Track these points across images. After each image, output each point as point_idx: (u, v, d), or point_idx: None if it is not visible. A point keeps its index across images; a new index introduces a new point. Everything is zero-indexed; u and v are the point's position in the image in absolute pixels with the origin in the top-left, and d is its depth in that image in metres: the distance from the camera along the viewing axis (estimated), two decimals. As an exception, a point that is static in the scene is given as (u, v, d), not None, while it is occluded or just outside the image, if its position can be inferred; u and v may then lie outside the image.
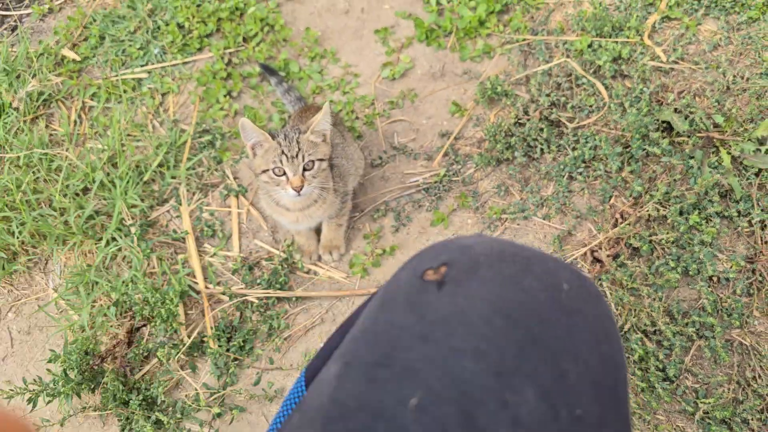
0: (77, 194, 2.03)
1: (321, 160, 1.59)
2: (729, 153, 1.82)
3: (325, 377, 0.60)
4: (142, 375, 1.79)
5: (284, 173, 1.56)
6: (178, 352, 1.76)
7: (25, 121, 2.20)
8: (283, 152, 1.54)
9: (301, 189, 1.56)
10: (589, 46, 2.09)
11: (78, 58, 2.34)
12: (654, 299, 1.66)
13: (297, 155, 1.55)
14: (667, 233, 1.73)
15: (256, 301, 1.83)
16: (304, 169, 1.56)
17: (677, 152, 1.85)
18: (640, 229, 1.76)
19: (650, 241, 1.73)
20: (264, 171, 1.59)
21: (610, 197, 1.85)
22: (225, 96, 2.18)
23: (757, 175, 1.79)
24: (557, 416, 0.52)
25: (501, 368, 0.53)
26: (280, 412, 0.70)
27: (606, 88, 2.01)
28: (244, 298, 1.85)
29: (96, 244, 1.96)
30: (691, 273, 1.68)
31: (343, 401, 0.56)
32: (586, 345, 0.56)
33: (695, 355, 1.62)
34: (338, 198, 1.73)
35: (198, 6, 2.38)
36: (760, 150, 1.81)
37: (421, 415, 0.52)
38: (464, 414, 0.51)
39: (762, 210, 1.74)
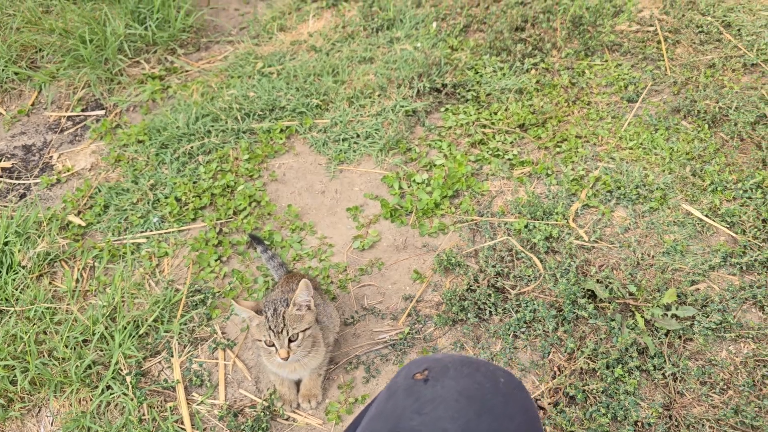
0: (77, 345, 2.23)
1: (306, 329, 1.87)
2: (642, 316, 2.21)
3: None
4: None
5: (273, 344, 1.85)
6: (165, 495, 1.90)
7: (31, 278, 2.44)
8: (270, 327, 1.83)
9: (287, 358, 1.85)
10: (526, 226, 2.54)
11: (83, 224, 2.65)
12: (589, 441, 1.94)
13: (282, 330, 1.83)
14: (597, 384, 2.05)
15: (240, 445, 2.02)
16: (290, 341, 1.85)
17: (601, 315, 2.24)
18: (575, 380, 2.08)
19: (584, 391, 2.05)
20: (257, 340, 1.88)
21: (549, 353, 2.19)
22: (216, 260, 2.50)
23: (666, 335, 2.17)
24: None
25: (468, 426, 0.87)
26: None
27: (541, 261, 2.43)
28: (228, 443, 2.03)
29: (92, 391, 2.14)
30: (619, 418, 1.99)
31: None
32: (517, 413, 0.93)
33: (627, 492, 1.87)
34: (325, 349, 2.01)
35: (194, 183, 2.77)
36: (666, 314, 2.21)
37: None
38: None
39: (672, 365, 2.10)
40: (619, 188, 2.67)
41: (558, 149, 2.88)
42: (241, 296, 2.42)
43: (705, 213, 2.53)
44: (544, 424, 1.99)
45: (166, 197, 2.72)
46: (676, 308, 2.22)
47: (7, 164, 3.01)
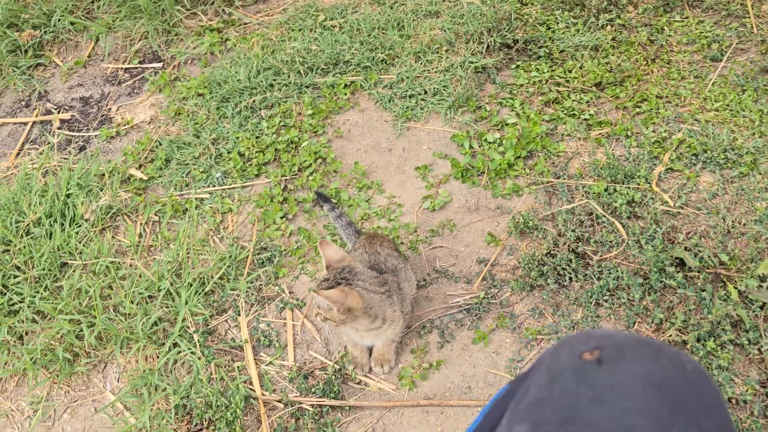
0: (142, 301, 2.18)
1: (327, 319, 1.75)
2: (735, 288, 2.07)
3: None
4: (199, 478, 1.87)
5: None
6: (236, 456, 1.85)
7: (94, 232, 2.39)
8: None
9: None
10: (606, 189, 2.40)
11: (144, 177, 2.59)
12: (683, 417, 1.83)
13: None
14: (689, 357, 1.93)
15: (311, 408, 1.96)
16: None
17: (690, 285, 2.10)
18: (665, 353, 1.96)
19: (675, 364, 1.93)
20: None
21: (634, 323, 2.07)
22: (281, 218, 2.42)
23: (761, 308, 2.04)
24: None
25: (660, 423, 0.73)
26: None
27: (623, 226, 2.29)
28: (299, 405, 1.97)
29: (158, 348, 2.09)
30: (713, 394, 1.87)
31: None
32: (712, 408, 0.77)
33: (723, 471, 1.76)
34: (403, 319, 1.92)
35: (257, 138, 2.67)
36: (762, 286, 2.06)
37: None
38: None
39: (769, 339, 1.97)
40: (705, 152, 2.50)
41: (637, 110, 2.71)
42: (309, 254, 2.34)
43: (801, 180, 2.36)
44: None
45: (228, 152, 2.64)
46: (773, 280, 2.08)
47: (66, 116, 2.96)
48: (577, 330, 2.08)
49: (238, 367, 2.07)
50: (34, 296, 2.22)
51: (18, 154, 2.83)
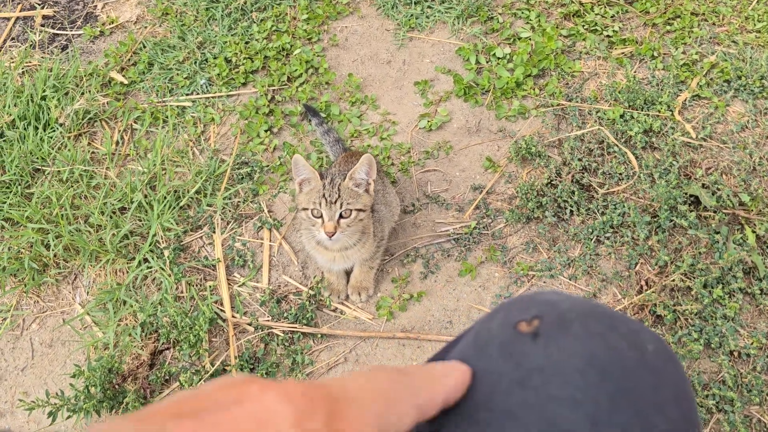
0: (114, 213, 2.07)
1: (360, 210, 1.64)
2: (754, 231, 1.87)
3: None
4: (162, 399, 1.80)
5: (321, 216, 1.61)
6: (200, 379, 1.77)
7: (69, 138, 2.25)
8: (324, 195, 1.60)
9: (333, 234, 1.61)
10: (621, 116, 2.17)
11: (125, 82, 2.42)
12: (676, 368, 1.68)
13: (335, 201, 1.60)
14: (691, 304, 1.77)
15: (282, 334, 1.86)
16: (341, 216, 1.62)
17: (703, 226, 1.91)
18: (665, 298, 1.80)
19: (674, 311, 1.77)
20: (304, 209, 1.65)
21: (636, 264, 1.90)
22: (266, 131, 2.25)
23: (780, 255, 1.84)
24: None
25: (596, 418, 0.56)
26: None
27: (636, 157, 2.08)
28: (269, 330, 1.87)
29: (128, 263, 1.99)
30: (713, 346, 1.71)
31: None
32: (670, 402, 0.60)
33: (714, 429, 1.63)
34: (375, 242, 1.77)
35: (246, 43, 2.47)
36: (784, 231, 1.86)
37: None
38: None
39: (784, 290, 1.79)
40: (739, 78, 2.24)
41: (668, 27, 2.43)
42: (291, 172, 2.18)
43: None
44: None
45: (214, 57, 2.44)
46: (797, 225, 1.87)
47: (50, 12, 2.77)
48: (571, 267, 1.92)
49: (209, 286, 1.96)
50: (4, 202, 2.11)
51: (-1, 51, 2.67)
